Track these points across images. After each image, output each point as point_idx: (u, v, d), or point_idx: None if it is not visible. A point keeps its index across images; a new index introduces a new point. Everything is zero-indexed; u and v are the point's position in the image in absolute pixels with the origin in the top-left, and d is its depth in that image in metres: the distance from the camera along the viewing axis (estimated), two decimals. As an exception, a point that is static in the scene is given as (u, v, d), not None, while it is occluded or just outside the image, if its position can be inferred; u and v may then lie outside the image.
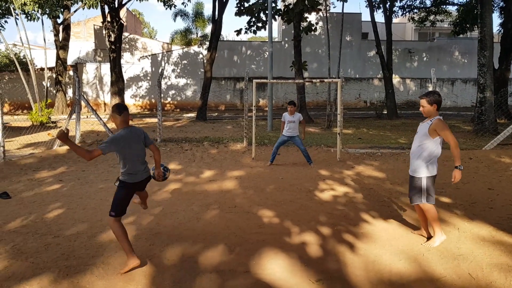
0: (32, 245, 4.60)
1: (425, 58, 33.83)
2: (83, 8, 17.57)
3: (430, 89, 15.23)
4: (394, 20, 29.09)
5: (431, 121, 4.48)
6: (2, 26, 24.45)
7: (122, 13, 24.93)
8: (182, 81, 31.77)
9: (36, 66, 27.40)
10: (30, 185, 7.63)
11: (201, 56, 31.46)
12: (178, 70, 31.78)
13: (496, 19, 41.59)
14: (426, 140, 4.46)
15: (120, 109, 4.14)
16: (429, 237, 4.64)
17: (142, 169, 4.26)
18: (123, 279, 3.80)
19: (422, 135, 4.52)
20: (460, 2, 26.19)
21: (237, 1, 21.27)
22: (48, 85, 25.12)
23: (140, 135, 4.27)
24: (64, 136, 3.72)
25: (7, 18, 24.49)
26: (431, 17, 27.54)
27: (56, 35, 25.62)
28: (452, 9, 29.05)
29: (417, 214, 4.76)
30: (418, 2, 26.72)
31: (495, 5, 22.03)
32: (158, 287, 3.70)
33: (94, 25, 36.38)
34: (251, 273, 3.92)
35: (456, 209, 5.83)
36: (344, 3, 21.02)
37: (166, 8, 21.37)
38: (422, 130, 4.56)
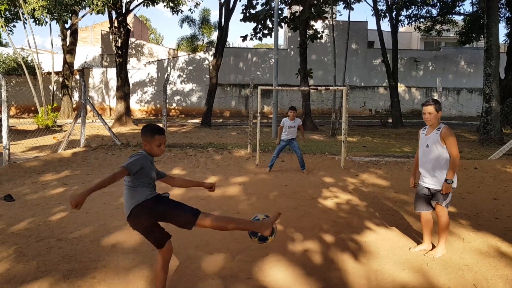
0: (34, 248, 4.59)
1: (430, 67, 33.81)
2: (91, 14, 17.75)
3: (436, 98, 15.20)
4: (400, 29, 29.11)
5: (438, 129, 4.41)
6: (10, 31, 24.69)
7: (129, 18, 25.11)
8: (187, 87, 31.88)
9: (43, 70, 27.59)
10: (34, 188, 7.64)
11: (207, 62, 31.60)
12: (184, 76, 31.92)
13: (503, 29, 41.68)
14: (441, 148, 4.35)
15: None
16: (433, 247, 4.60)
17: None
18: (124, 284, 3.78)
19: (435, 145, 4.39)
20: (467, 12, 26.27)
21: (243, 8, 21.35)
22: (55, 89, 25.26)
23: None
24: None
25: (16, 22, 24.73)
26: (437, 27, 27.56)
27: (64, 39, 25.83)
28: (458, 18, 29.04)
29: (422, 224, 4.69)
30: (424, 11, 26.77)
31: (501, 16, 22.03)
32: (159, 292, 3.68)
33: (101, 30, 36.69)
34: (253, 280, 3.89)
35: (461, 219, 5.78)
36: (351, 11, 21.09)
37: (173, 14, 21.56)
38: (432, 140, 4.42)
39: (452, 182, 4.33)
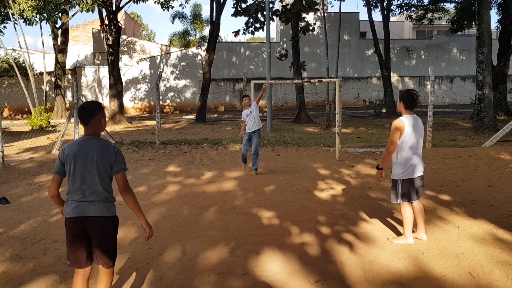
0: (30, 250, 4.58)
1: (423, 56, 33.84)
2: (81, 12, 17.60)
3: (429, 87, 15.24)
4: (392, 19, 29.12)
5: None
6: (1, 31, 24.46)
7: (120, 16, 24.91)
8: (181, 83, 31.76)
9: (35, 70, 27.40)
10: (29, 190, 7.61)
11: (199, 57, 31.47)
12: (177, 72, 31.78)
13: (494, 16, 41.74)
14: None
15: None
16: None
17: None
18: (120, 283, 3.78)
19: None
20: (458, 0, 26.20)
21: (234, 2, 21.23)
22: (47, 89, 25.12)
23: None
24: None
25: (6, 23, 24.50)
26: (429, 15, 27.54)
27: (55, 39, 25.62)
28: (449, 6, 29.05)
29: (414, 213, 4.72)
30: (415, 0, 26.71)
31: (493, 2, 22.03)
32: (156, 290, 3.68)
33: (92, 28, 36.40)
34: (250, 275, 3.90)
35: (456, 207, 5.81)
36: (342, 2, 21.04)
37: (164, 10, 21.39)
38: None
39: (381, 169, 4.60)
